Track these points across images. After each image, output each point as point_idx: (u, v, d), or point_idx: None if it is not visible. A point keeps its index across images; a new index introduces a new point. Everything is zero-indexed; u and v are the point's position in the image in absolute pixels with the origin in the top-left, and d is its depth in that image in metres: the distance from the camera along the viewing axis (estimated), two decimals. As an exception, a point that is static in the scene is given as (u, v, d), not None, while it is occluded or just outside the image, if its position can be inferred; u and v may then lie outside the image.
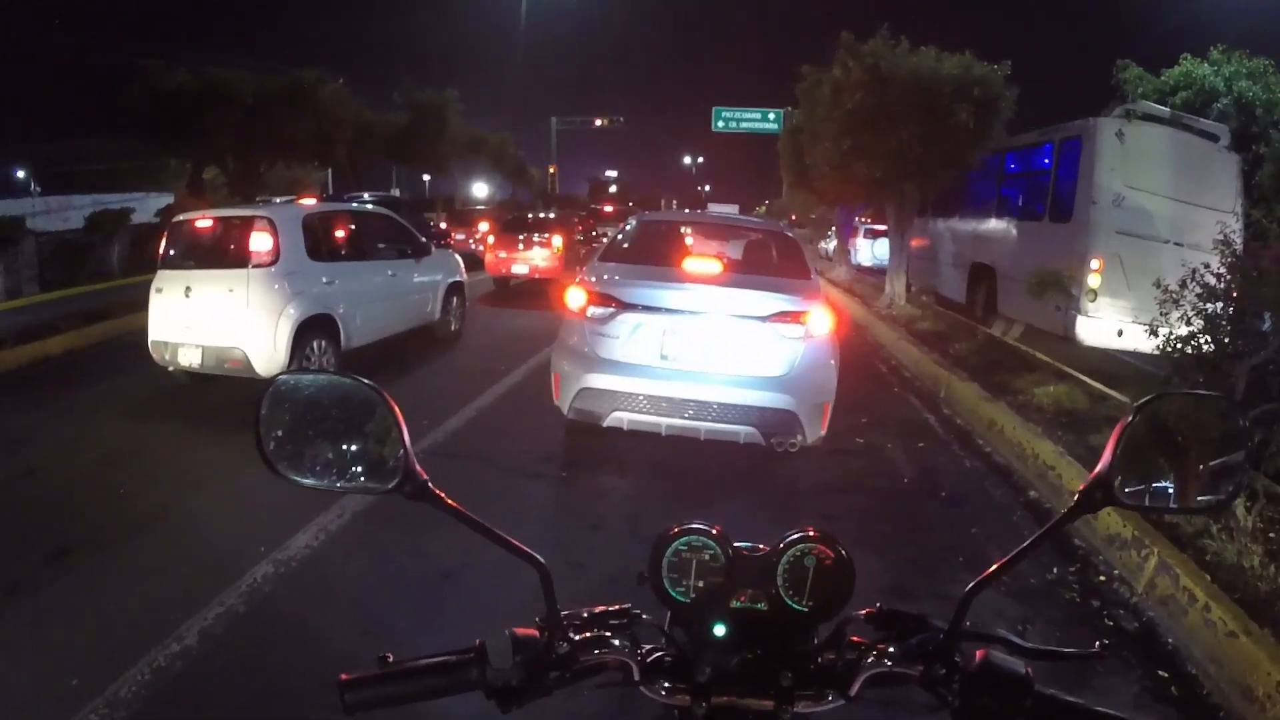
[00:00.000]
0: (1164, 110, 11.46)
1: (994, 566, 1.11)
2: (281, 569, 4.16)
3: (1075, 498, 1.09)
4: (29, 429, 6.56)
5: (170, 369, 7.52)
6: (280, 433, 1.13)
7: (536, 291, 15.48)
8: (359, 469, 1.13)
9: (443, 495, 1.10)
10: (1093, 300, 10.01)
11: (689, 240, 7.61)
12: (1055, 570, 4.44)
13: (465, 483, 5.47)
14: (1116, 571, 4.45)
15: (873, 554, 4.53)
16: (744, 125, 40.76)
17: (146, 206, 23.63)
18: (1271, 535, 4.42)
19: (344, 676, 1.07)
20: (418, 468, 1.09)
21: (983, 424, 7.24)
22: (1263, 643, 3.35)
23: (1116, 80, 16.01)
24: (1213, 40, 15.39)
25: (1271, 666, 3.19)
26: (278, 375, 1.15)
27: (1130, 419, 1.08)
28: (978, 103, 11.79)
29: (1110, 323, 9.92)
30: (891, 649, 1.15)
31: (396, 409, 1.09)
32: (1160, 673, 3.56)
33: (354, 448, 1.13)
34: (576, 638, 1.14)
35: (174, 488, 5.36)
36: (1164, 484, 1.13)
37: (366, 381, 1.11)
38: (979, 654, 1.07)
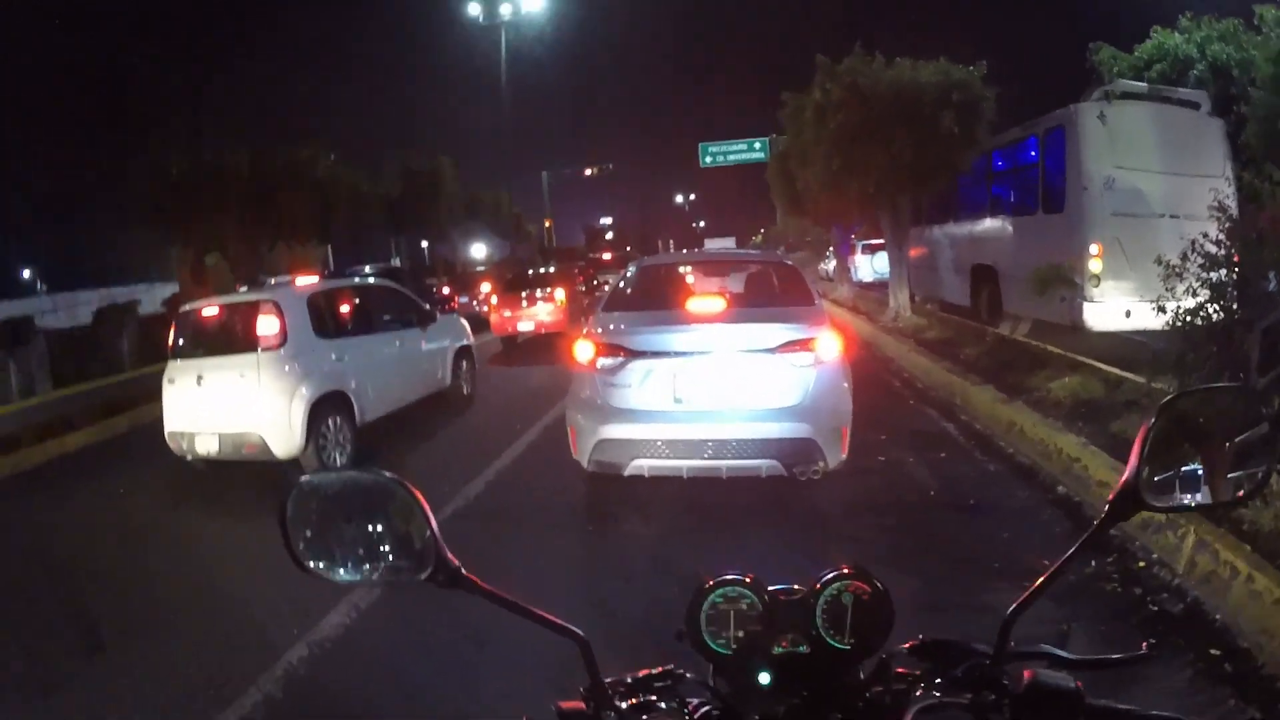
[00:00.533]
0: (1141, 86, 11.53)
1: (1032, 588, 1.12)
2: (316, 650, 4.13)
3: (1106, 508, 1.10)
4: (53, 524, 6.66)
5: (189, 458, 7.56)
6: (309, 532, 1.15)
7: (544, 346, 15.50)
8: (390, 560, 1.15)
9: (476, 580, 1.11)
10: (1096, 286, 9.99)
11: (690, 280, 7.63)
12: (1093, 564, 4.37)
13: (492, 545, 5.43)
14: (1155, 555, 4.38)
15: (906, 573, 4.46)
16: (731, 158, 40.98)
17: (152, 296, 23.95)
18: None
19: None
20: (448, 554, 1.10)
21: (1002, 426, 7.19)
22: (1312, 607, 3.29)
23: (1091, 63, 16.08)
24: (1180, 9, 15.47)
25: (1324, 630, 3.13)
26: (300, 478, 1.17)
27: (1153, 422, 1.09)
28: (960, 107, 11.86)
29: (1117, 305, 9.88)
30: (939, 679, 1.15)
31: (421, 497, 1.10)
32: (1212, 651, 3.49)
33: (382, 539, 1.15)
34: (624, 705, 1.13)
35: (203, 574, 5.36)
36: (1193, 481, 1.13)
37: (388, 474, 1.13)
38: (1026, 674, 1.07)
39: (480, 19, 35.29)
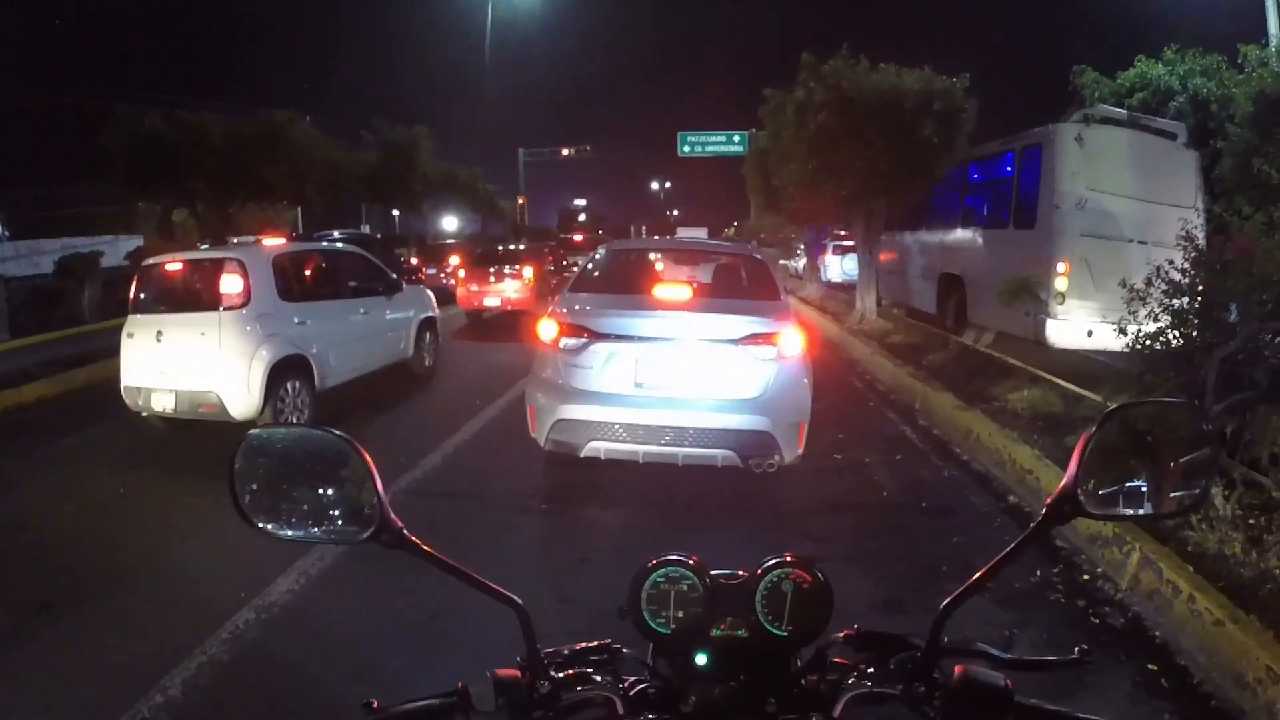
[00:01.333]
0: (1121, 112, 11.69)
1: (965, 585, 1.13)
2: (264, 614, 4.10)
3: (1044, 512, 1.11)
4: (6, 480, 6.48)
5: (144, 414, 7.44)
6: (255, 486, 1.15)
7: (509, 324, 15.44)
8: (335, 519, 1.14)
9: (419, 542, 1.11)
10: (1061, 303, 10.13)
11: (659, 267, 7.63)
12: (1039, 573, 4.45)
13: (448, 521, 5.45)
14: (1100, 570, 4.48)
15: (858, 571, 4.53)
16: (709, 149, 41.08)
17: (116, 250, 23.54)
18: (1251, 522, 4.46)
19: None
20: (393, 516, 1.10)
21: (959, 433, 7.27)
22: (1250, 629, 3.38)
23: (1074, 85, 16.28)
24: (1166, 41, 15.70)
25: (1261, 652, 3.22)
26: (250, 430, 1.16)
27: (1093, 430, 1.10)
28: (940, 116, 11.94)
29: (1080, 324, 10.02)
30: (871, 670, 1.16)
31: (369, 459, 1.10)
32: (1150, 666, 3.57)
33: (329, 499, 1.15)
34: (558, 676, 1.14)
35: (154, 536, 5.28)
36: (1132, 492, 1.15)
37: (337, 433, 1.13)
38: (958, 669, 1.08)
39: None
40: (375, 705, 1.08)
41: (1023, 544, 1.13)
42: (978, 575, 1.13)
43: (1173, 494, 1.15)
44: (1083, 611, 4.10)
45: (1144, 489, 1.15)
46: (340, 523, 1.13)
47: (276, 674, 3.66)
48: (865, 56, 12.89)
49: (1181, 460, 1.15)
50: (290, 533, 1.14)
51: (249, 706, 3.41)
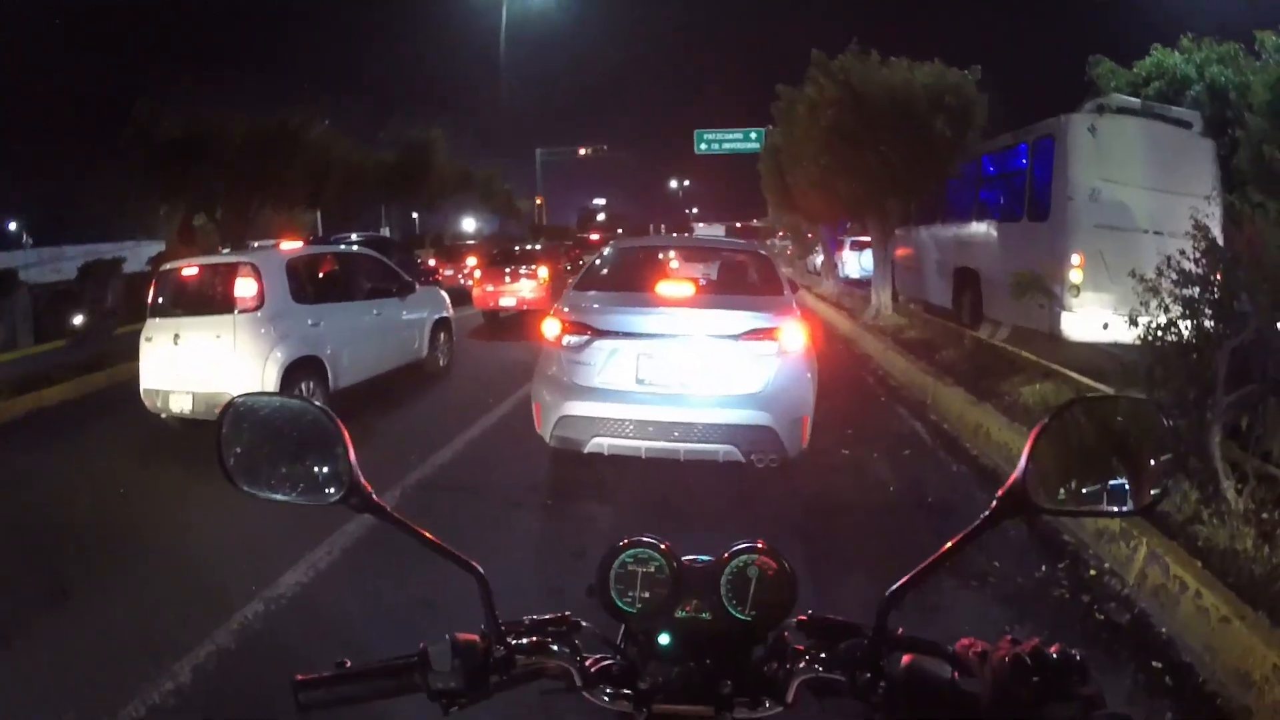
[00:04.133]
0: (1135, 101, 11.58)
1: (908, 576, 1.13)
2: (272, 606, 4.17)
3: (992, 505, 1.10)
4: (29, 473, 6.68)
5: (163, 415, 7.56)
6: (239, 449, 1.22)
7: (524, 324, 15.43)
8: (311, 483, 1.20)
9: (386, 506, 1.16)
10: (1076, 295, 10.05)
11: (664, 264, 7.64)
12: (1044, 568, 4.43)
13: (453, 513, 5.50)
14: (1107, 565, 4.43)
15: (855, 566, 4.52)
16: (726, 146, 41.04)
17: (138, 254, 23.73)
18: (1264, 516, 4.40)
19: (298, 677, 1.12)
20: (363, 481, 1.15)
21: (969, 428, 7.24)
22: (1257, 627, 3.33)
23: (1089, 76, 16.13)
24: (1182, 29, 15.53)
25: (1267, 650, 3.17)
26: (235, 397, 1.24)
27: (1044, 424, 1.09)
28: (952, 111, 11.87)
29: (1095, 316, 9.91)
30: (823, 655, 1.17)
31: (343, 427, 1.16)
32: (1154, 664, 3.53)
33: (305, 463, 1.21)
34: (516, 643, 1.17)
35: (169, 528, 5.39)
36: (1083, 488, 1.13)
37: (315, 403, 1.22)
38: (906, 658, 1.09)
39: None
40: (347, 664, 1.15)
41: (967, 537, 1.13)
42: (921, 567, 1.13)
43: (1132, 493, 1.12)
44: (1087, 607, 4.07)
45: (1100, 487, 1.13)
46: (315, 486, 1.19)
47: (283, 663, 3.70)
48: (877, 51, 12.84)
49: (1143, 459, 1.12)
50: (269, 492, 1.20)
51: (255, 694, 3.44)
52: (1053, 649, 0.95)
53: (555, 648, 1.20)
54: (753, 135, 38.33)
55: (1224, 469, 4.76)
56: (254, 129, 18.73)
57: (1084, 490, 1.13)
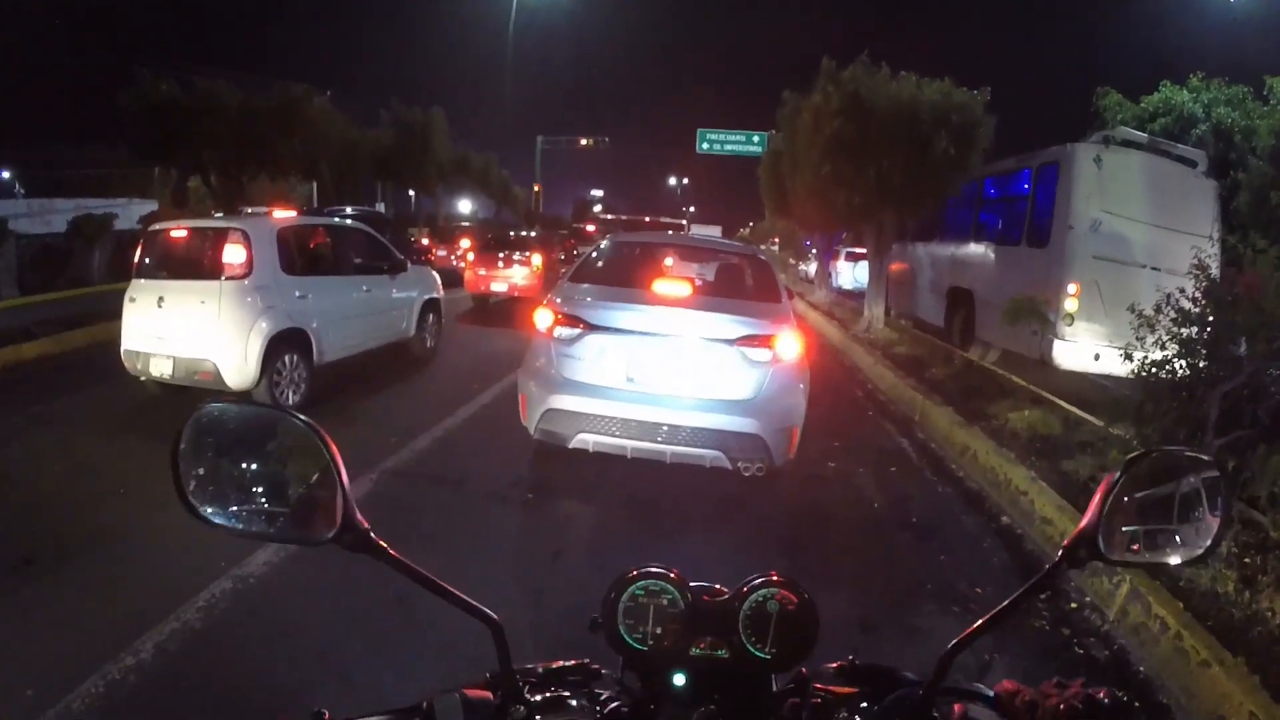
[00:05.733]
0: (1142, 136, 11.57)
1: (975, 626, 1.08)
2: (240, 585, 4.08)
3: (1059, 553, 1.09)
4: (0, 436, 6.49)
5: (142, 379, 7.45)
6: (202, 471, 1.03)
7: (514, 311, 15.36)
8: (292, 515, 1.03)
9: (386, 546, 1.02)
10: (1070, 325, 10.05)
11: (661, 262, 7.57)
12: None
13: (429, 505, 5.41)
14: (1088, 599, 4.41)
15: (836, 585, 4.45)
16: (729, 148, 40.95)
17: (130, 213, 23.56)
18: (1246, 561, 4.40)
19: None
20: (358, 516, 1.00)
21: (956, 449, 7.21)
22: (1235, 672, 3.32)
23: (1096, 107, 16.17)
24: (1192, 68, 15.59)
25: (1244, 697, 3.15)
26: (202, 406, 1.05)
27: (1116, 476, 1.08)
28: (957, 130, 11.85)
29: (1087, 347, 9.94)
30: (864, 704, 1.12)
31: (335, 449, 1.00)
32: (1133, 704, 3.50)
33: (286, 491, 1.04)
34: (533, 699, 1.08)
35: (140, 500, 5.25)
36: (1147, 539, 1.14)
37: (301, 417, 1.03)
38: (957, 708, 1.05)
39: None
40: (326, 716, 0.99)
41: (1037, 585, 1.11)
42: (988, 617, 1.09)
43: (1185, 544, 1.15)
44: (1066, 641, 4.04)
45: (1159, 537, 1.15)
46: (298, 519, 1.02)
47: (247, 646, 3.64)
48: (887, 65, 12.82)
49: (1196, 511, 1.14)
50: (238, 525, 1.02)
51: (217, 674, 3.40)
52: (1102, 694, 0.92)
53: (573, 701, 1.11)
54: (755, 139, 38.29)
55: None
56: (252, 100, 18.60)
57: (1144, 541, 1.14)
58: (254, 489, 1.03)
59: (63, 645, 3.54)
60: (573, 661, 1.17)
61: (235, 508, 1.02)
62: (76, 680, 3.21)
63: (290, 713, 2.97)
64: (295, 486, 1.03)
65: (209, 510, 1.02)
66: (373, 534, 1.01)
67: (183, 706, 3.21)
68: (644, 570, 1.16)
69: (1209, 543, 1.13)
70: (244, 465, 1.04)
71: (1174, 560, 1.18)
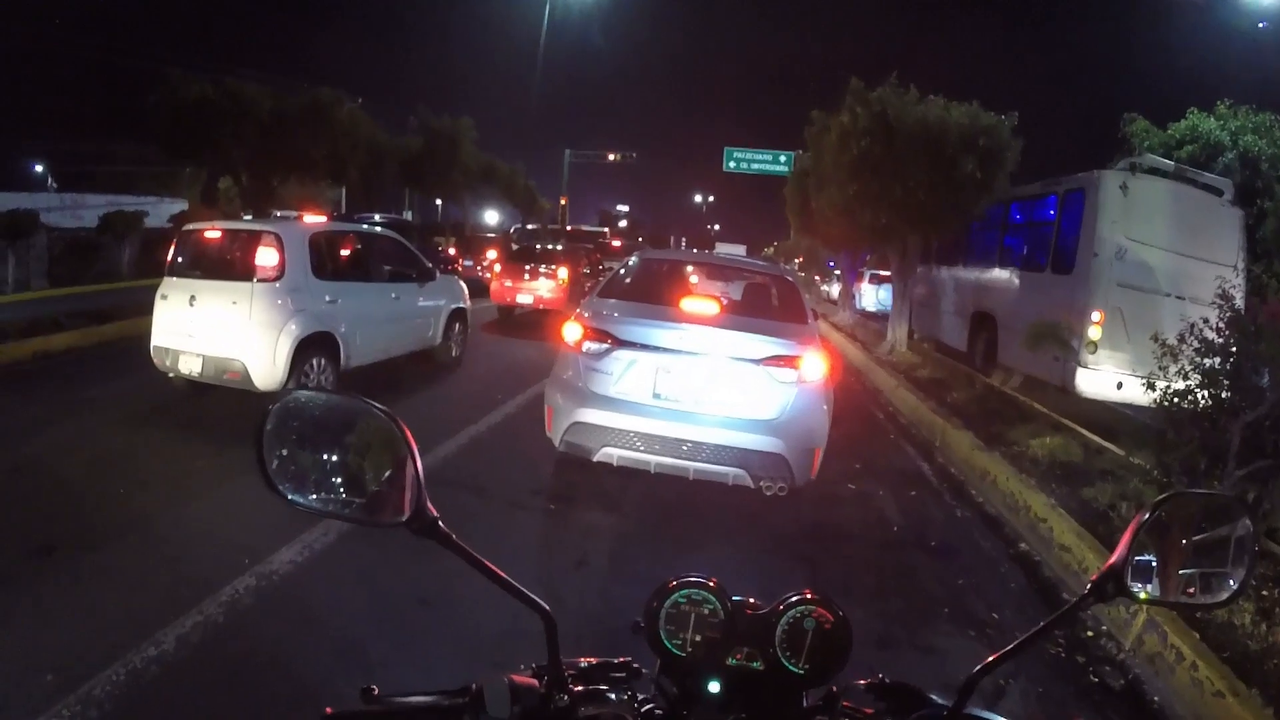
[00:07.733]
0: (1168, 164, 11.51)
1: (1002, 651, 1.12)
2: (263, 582, 4.13)
3: (1088, 587, 1.11)
4: (27, 424, 6.62)
5: (170, 375, 7.56)
6: (285, 451, 1.10)
7: (539, 322, 15.44)
8: (365, 498, 1.09)
9: (452, 535, 1.08)
10: (1093, 352, 10.00)
11: (689, 280, 7.61)
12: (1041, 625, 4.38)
13: (452, 510, 5.37)
14: (1104, 627, 4.40)
15: (856, 604, 4.46)
16: (755, 166, 40.92)
17: (160, 211, 23.92)
18: (1264, 593, 4.38)
19: (329, 711, 1.03)
20: (429, 503, 1.06)
21: (976, 474, 7.19)
22: (1249, 704, 3.32)
23: (1123, 133, 16.09)
24: (1219, 95, 15.48)
25: (1257, 730, 3.15)
26: (290, 390, 1.13)
27: (1146, 515, 1.11)
28: (984, 153, 11.85)
29: (1109, 375, 9.90)
30: None
31: (411, 439, 1.06)
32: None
33: (363, 475, 1.09)
34: (577, 690, 1.13)
35: (165, 494, 5.34)
36: (1174, 579, 1.16)
37: (381, 407, 1.09)
38: None
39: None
40: (375, 692, 1.05)
41: (1063, 617, 1.15)
42: (1015, 644, 1.12)
43: (1211, 588, 1.17)
44: (1081, 668, 4.03)
45: (1186, 578, 1.16)
46: (370, 502, 1.09)
47: (269, 641, 3.69)
48: (915, 87, 12.84)
49: (1224, 554, 1.16)
50: (315, 504, 1.09)
51: (238, 668, 3.43)
52: None
53: (613, 695, 1.16)
54: (782, 158, 38.21)
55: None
56: (283, 103, 18.79)
57: (1171, 579, 1.16)
58: (331, 471, 1.10)
59: (84, 633, 3.58)
60: (619, 660, 1.21)
61: (312, 488, 1.09)
62: (98, 667, 3.25)
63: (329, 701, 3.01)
64: (370, 472, 1.09)
65: (288, 489, 1.09)
66: (440, 522, 1.07)
67: (204, 697, 3.25)
68: (685, 579, 1.21)
69: (1235, 587, 1.16)
70: (324, 450, 1.10)
71: (1199, 602, 1.19)
